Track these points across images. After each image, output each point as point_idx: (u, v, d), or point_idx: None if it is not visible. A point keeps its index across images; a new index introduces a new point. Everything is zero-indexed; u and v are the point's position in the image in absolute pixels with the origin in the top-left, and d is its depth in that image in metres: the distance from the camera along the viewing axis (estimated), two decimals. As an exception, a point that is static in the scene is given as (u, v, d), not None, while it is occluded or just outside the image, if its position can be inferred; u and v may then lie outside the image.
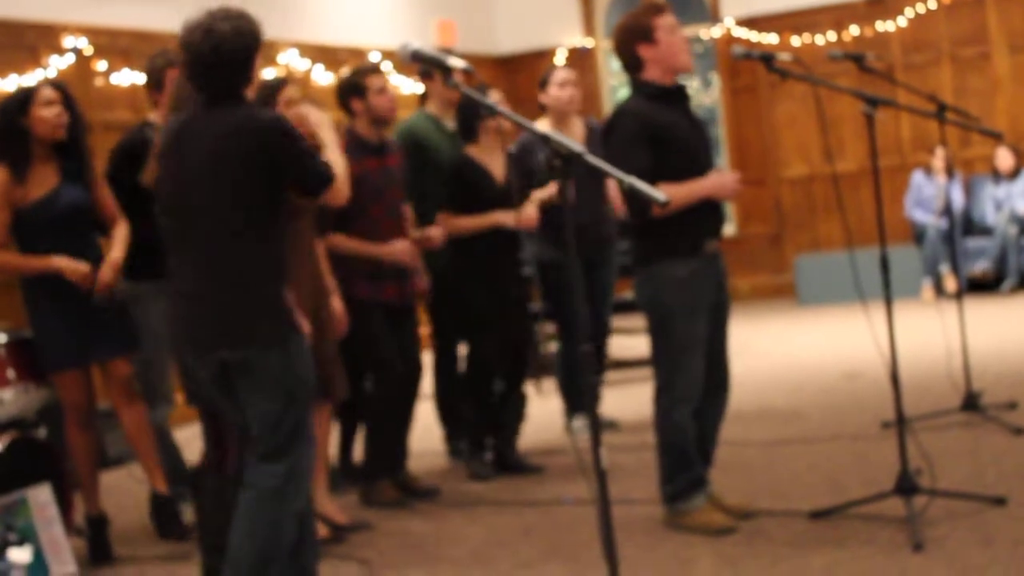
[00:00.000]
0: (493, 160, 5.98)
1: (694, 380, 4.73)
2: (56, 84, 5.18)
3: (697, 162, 4.74)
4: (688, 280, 4.69)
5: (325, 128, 4.52)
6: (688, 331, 4.69)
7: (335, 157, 4.27)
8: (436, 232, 5.82)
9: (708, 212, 4.73)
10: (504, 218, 5.87)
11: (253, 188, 3.79)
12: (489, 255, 5.92)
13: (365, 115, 5.63)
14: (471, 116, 5.92)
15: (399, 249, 5.57)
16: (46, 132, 5.07)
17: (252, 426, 3.86)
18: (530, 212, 5.92)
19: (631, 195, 4.53)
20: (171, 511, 5.42)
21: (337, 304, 5.28)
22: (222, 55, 3.79)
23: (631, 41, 4.74)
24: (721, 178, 4.71)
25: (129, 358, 5.28)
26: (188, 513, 5.61)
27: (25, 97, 5.06)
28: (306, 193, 4.04)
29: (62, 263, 5.03)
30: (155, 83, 5.49)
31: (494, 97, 5.93)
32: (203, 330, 3.84)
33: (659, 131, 4.66)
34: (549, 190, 6.18)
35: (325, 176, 3.96)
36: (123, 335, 5.26)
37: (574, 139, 6.52)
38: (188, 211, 3.85)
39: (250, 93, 3.92)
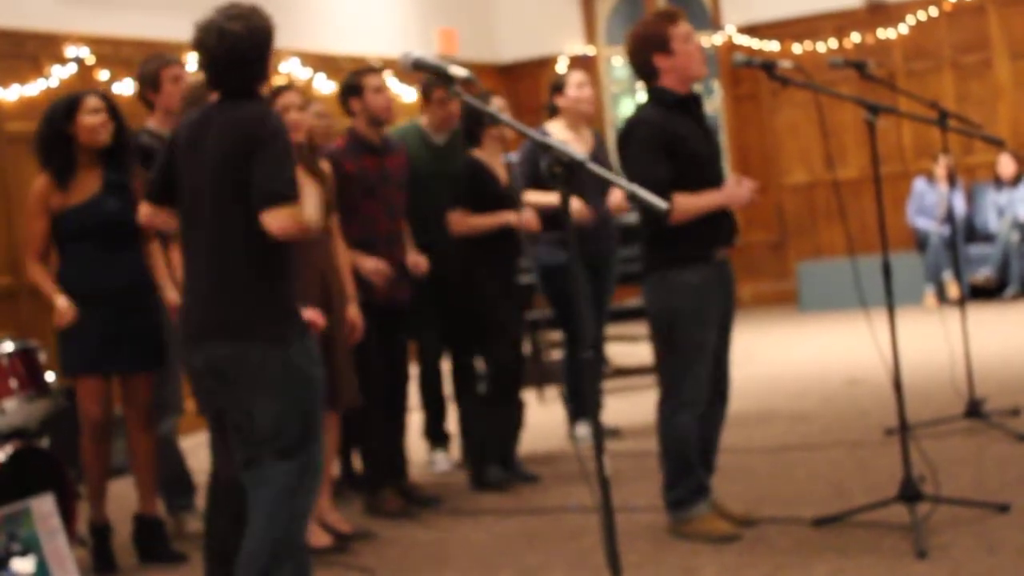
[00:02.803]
0: (496, 164, 6.03)
1: (700, 385, 4.73)
2: (102, 94, 5.23)
3: (710, 172, 4.74)
4: (700, 286, 4.69)
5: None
6: (698, 337, 4.70)
7: (309, 200, 4.10)
8: (422, 263, 5.84)
9: (721, 220, 4.73)
10: (512, 218, 5.90)
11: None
12: (496, 256, 5.95)
13: (363, 114, 5.69)
14: (476, 122, 5.94)
15: (369, 267, 5.55)
16: (90, 139, 5.12)
17: (251, 427, 3.77)
18: (530, 215, 5.94)
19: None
20: (158, 534, 5.33)
21: (353, 311, 5.27)
22: (237, 56, 3.78)
23: (646, 50, 4.73)
24: (736, 188, 4.69)
25: (151, 381, 5.22)
26: (191, 523, 5.62)
27: (71, 105, 5.12)
28: (255, 200, 3.65)
29: (61, 304, 5.02)
30: (151, 83, 5.54)
31: (497, 104, 5.96)
32: (205, 325, 3.80)
33: (674, 141, 4.65)
34: (546, 195, 6.20)
35: (277, 193, 3.62)
36: (148, 351, 5.22)
37: (585, 144, 6.56)
38: (196, 208, 3.83)
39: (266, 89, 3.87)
